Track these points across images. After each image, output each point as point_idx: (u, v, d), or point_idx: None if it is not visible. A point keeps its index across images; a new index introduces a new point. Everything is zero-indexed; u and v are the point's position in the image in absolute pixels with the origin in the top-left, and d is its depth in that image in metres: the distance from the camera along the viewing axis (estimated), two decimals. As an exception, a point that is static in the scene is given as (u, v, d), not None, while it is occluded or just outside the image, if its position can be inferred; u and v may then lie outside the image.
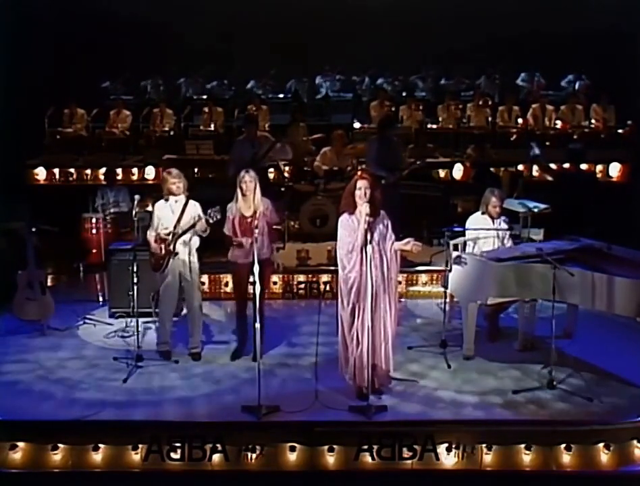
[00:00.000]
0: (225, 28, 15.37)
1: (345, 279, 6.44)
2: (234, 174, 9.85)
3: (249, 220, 7.18)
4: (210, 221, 7.21)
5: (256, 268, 6.35)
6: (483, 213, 7.78)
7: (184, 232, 7.28)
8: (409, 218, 9.47)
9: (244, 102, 14.81)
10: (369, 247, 6.23)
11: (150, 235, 7.41)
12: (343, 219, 6.49)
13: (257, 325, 6.37)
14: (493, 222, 7.75)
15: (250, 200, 7.21)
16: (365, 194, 6.36)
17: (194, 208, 7.38)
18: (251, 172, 7.28)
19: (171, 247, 7.29)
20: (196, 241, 7.42)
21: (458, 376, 7.05)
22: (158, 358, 7.42)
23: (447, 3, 15.19)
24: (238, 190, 7.24)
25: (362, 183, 6.41)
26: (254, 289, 6.51)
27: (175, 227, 7.30)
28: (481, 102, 14.11)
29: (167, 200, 7.39)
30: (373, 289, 6.28)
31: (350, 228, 6.42)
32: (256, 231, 6.70)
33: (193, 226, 7.27)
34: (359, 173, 6.86)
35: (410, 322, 8.42)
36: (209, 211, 7.19)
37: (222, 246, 8.82)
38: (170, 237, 7.28)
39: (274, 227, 7.66)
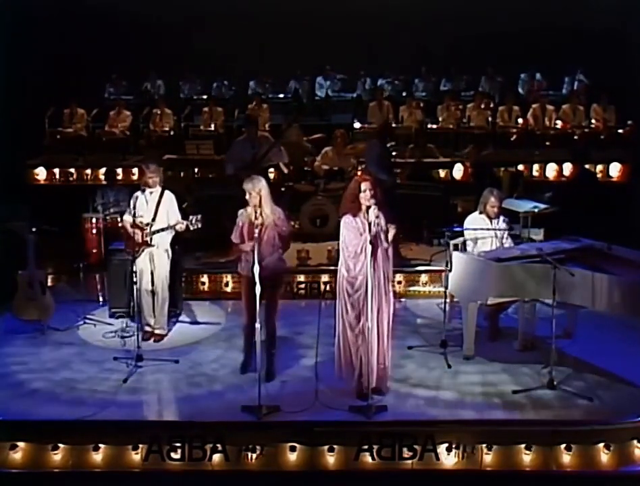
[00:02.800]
0: (226, 28, 15.36)
1: (351, 281, 6.42)
2: (233, 174, 9.97)
3: (258, 229, 6.76)
4: (191, 227, 7.59)
5: (256, 269, 6.31)
6: (480, 213, 7.79)
7: (163, 230, 7.67)
8: (409, 218, 9.46)
9: (245, 101, 14.81)
10: (369, 248, 6.23)
11: (126, 220, 7.82)
12: (348, 221, 6.46)
13: (257, 325, 6.36)
14: (491, 222, 7.75)
15: (257, 210, 6.81)
16: (371, 195, 6.37)
17: (169, 197, 7.81)
18: (256, 185, 6.80)
19: (148, 239, 7.66)
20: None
21: (458, 376, 7.05)
22: (158, 357, 7.41)
23: (447, 4, 15.19)
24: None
25: (366, 185, 6.41)
26: (254, 289, 6.48)
27: (153, 219, 7.68)
28: (482, 106, 14.11)
29: (143, 191, 7.78)
30: (376, 289, 6.31)
31: (355, 230, 6.40)
32: (252, 241, 6.55)
33: (172, 227, 7.65)
34: (359, 174, 6.86)
35: (410, 322, 8.42)
36: (191, 218, 7.58)
37: (222, 246, 8.88)
38: (148, 228, 7.64)
39: (286, 236, 7.05)
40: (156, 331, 7.90)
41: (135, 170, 12.42)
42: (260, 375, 6.35)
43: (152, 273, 7.78)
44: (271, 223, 6.80)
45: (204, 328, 8.32)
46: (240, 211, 6.98)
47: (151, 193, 7.77)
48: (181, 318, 8.53)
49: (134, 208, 7.67)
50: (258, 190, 6.79)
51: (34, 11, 13.15)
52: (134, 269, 7.41)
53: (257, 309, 6.37)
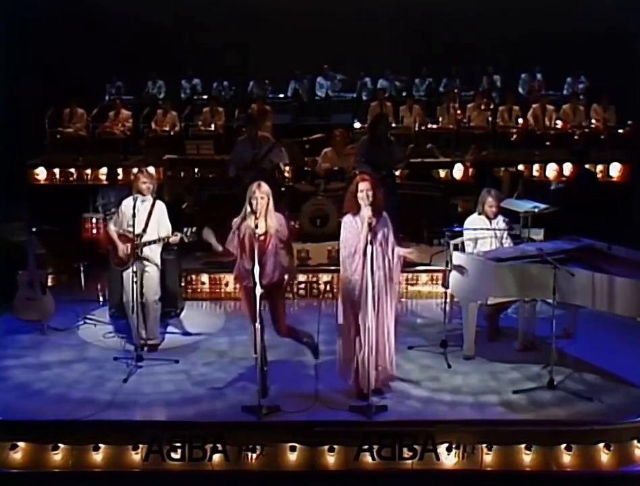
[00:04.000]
0: (227, 28, 15.39)
1: (346, 281, 6.44)
2: (235, 174, 9.97)
3: (262, 238, 6.42)
4: (185, 240, 7.38)
5: (256, 270, 6.25)
6: (479, 214, 7.78)
7: (155, 241, 7.41)
8: (409, 218, 9.45)
9: (247, 102, 14.84)
10: (369, 248, 6.23)
11: (111, 229, 7.58)
12: (347, 221, 6.47)
13: (257, 325, 6.33)
14: (490, 222, 7.74)
15: (262, 218, 6.44)
16: (367, 196, 6.35)
17: (161, 208, 7.54)
18: (263, 187, 6.46)
19: (139, 250, 7.34)
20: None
21: (459, 376, 7.05)
22: (158, 357, 7.41)
23: (448, 4, 15.20)
24: (247, 206, 6.47)
25: (363, 186, 6.40)
26: (257, 292, 6.33)
27: (144, 230, 7.38)
28: (482, 107, 14.11)
29: (135, 199, 7.40)
30: (375, 290, 6.30)
31: (352, 230, 6.41)
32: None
33: (166, 239, 7.43)
34: (359, 174, 6.84)
35: (410, 322, 8.41)
36: (186, 230, 7.33)
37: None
38: (138, 240, 7.32)
39: (288, 240, 6.77)
40: (150, 342, 7.63)
41: (135, 170, 12.40)
42: (259, 375, 6.34)
43: (141, 285, 7.45)
44: (274, 232, 6.54)
45: (204, 328, 8.32)
46: (235, 220, 6.56)
47: (143, 202, 7.39)
48: (176, 322, 8.45)
49: (123, 217, 7.41)
50: (267, 193, 6.46)
51: (35, 11, 13.16)
52: (134, 279, 7.22)
53: (259, 311, 6.29)
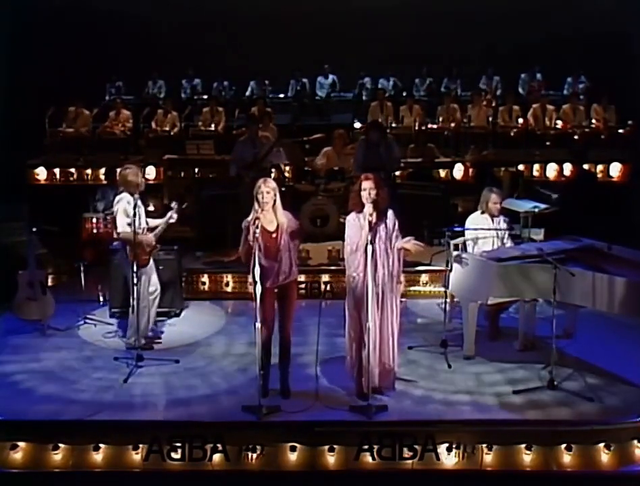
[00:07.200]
0: (227, 28, 15.39)
1: (350, 279, 6.47)
2: (236, 173, 9.99)
3: (274, 235, 6.41)
4: (183, 207, 7.83)
5: (257, 270, 6.26)
6: (482, 212, 7.79)
7: (163, 228, 7.61)
8: (409, 218, 9.43)
9: (247, 102, 14.82)
10: (369, 247, 6.23)
11: (129, 231, 7.31)
12: (350, 219, 6.51)
13: (258, 325, 6.32)
14: (493, 221, 7.75)
15: (270, 213, 6.39)
16: (370, 194, 6.38)
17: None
18: (269, 182, 6.40)
19: (155, 242, 7.60)
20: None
21: (459, 376, 7.05)
22: (158, 357, 7.40)
23: (448, 5, 15.20)
24: (255, 203, 6.35)
25: (366, 184, 6.42)
26: (254, 289, 6.34)
27: (147, 224, 7.60)
28: (484, 103, 14.10)
29: (135, 198, 7.49)
30: (378, 288, 6.32)
31: (355, 228, 6.43)
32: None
33: (169, 221, 7.63)
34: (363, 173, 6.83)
35: (411, 322, 8.42)
36: (174, 205, 7.65)
37: (222, 246, 8.88)
38: (150, 232, 7.56)
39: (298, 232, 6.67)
40: (153, 336, 7.82)
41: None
42: (259, 375, 6.35)
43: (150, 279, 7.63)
44: (286, 228, 6.45)
45: (204, 328, 8.32)
46: (245, 224, 6.36)
47: (135, 198, 7.48)
48: (176, 322, 8.47)
49: (133, 215, 7.36)
50: (273, 188, 6.38)
51: (35, 11, 13.16)
52: (135, 268, 7.26)
53: (259, 310, 6.28)
